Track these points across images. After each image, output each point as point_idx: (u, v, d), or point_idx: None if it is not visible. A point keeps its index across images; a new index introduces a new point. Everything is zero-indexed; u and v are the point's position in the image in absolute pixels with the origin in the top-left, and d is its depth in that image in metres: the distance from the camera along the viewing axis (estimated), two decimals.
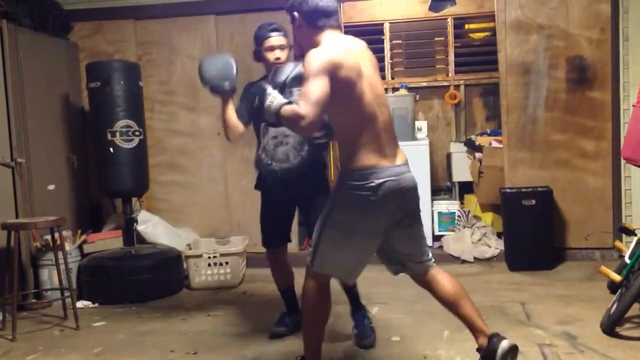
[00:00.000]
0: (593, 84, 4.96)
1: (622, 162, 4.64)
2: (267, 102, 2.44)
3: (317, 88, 2.32)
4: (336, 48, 2.45)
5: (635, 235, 3.77)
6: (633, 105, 4.00)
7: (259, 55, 3.34)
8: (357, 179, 2.47)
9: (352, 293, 3.34)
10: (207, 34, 5.41)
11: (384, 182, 2.46)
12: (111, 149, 4.67)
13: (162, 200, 5.52)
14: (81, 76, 5.21)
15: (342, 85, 2.39)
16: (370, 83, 2.50)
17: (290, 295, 3.55)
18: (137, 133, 4.76)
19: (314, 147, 3.20)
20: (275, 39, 3.28)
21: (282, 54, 3.30)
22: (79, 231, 4.88)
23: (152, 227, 5.06)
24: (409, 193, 2.56)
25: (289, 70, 3.24)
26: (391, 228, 2.56)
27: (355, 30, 5.96)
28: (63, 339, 3.71)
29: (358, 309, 3.36)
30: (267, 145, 3.25)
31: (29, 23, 4.77)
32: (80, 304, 4.32)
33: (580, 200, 4.99)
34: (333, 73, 2.36)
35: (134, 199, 4.90)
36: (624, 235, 4.44)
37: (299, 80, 3.15)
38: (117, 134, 4.67)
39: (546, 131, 5.02)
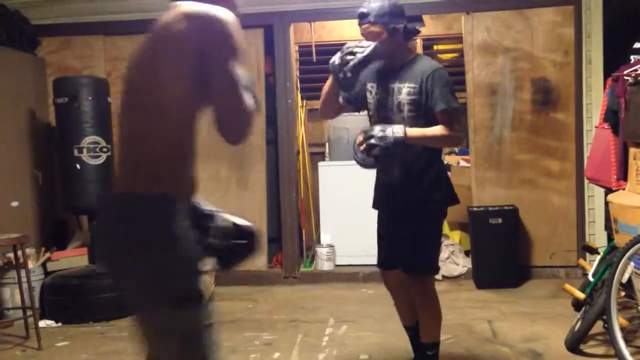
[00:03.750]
0: (557, 106, 5.08)
1: (586, 181, 4.74)
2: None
3: None
4: None
5: (598, 253, 3.84)
6: (595, 127, 4.11)
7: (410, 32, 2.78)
8: None
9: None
10: None
11: None
12: (78, 166, 4.61)
13: None
14: (48, 91, 5.14)
15: None
16: None
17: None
18: (104, 149, 4.70)
19: None
20: None
21: None
22: (43, 249, 4.78)
23: None
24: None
25: None
26: None
27: (324, 49, 6.02)
28: None
29: None
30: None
31: None
32: (42, 323, 4.22)
33: (545, 219, 5.07)
34: None
35: None
36: (587, 254, 4.53)
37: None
38: (84, 150, 4.61)
39: (512, 151, 5.12)
